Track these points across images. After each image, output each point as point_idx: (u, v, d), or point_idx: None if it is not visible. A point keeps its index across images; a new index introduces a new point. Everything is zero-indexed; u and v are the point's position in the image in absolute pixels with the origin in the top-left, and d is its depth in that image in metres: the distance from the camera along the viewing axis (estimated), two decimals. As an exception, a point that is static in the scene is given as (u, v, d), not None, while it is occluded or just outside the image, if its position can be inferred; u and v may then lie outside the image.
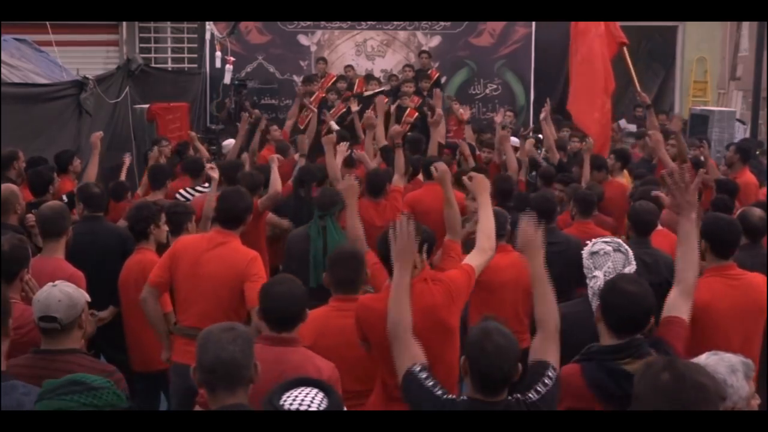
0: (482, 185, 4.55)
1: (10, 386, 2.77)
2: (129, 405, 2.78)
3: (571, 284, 4.68)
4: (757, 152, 9.49)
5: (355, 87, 12.89)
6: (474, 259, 4.26)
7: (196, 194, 6.94)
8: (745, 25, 13.52)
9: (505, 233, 5.15)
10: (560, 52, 12.99)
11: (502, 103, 13.84)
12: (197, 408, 3.07)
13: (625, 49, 9.48)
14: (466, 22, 13.79)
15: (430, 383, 3.09)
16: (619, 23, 9.83)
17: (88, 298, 3.56)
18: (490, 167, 8.17)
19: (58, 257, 4.66)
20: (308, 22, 13.88)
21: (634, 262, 4.07)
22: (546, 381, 3.07)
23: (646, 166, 8.44)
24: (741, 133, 11.70)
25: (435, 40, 14.18)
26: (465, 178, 4.85)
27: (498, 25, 13.94)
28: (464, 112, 11.28)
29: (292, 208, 6.75)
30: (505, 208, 5.73)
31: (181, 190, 7.14)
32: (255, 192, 6.49)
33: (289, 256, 5.98)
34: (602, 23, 9.95)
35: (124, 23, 14.12)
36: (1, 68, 9.40)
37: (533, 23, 13.73)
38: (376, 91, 12.37)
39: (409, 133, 10.87)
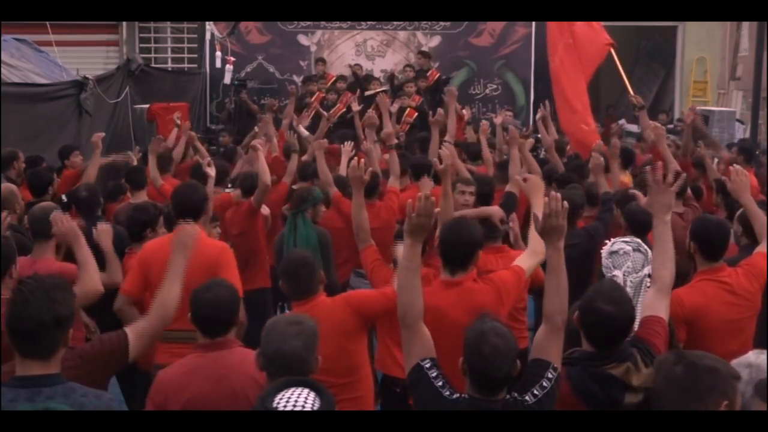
0: (536, 187, 4.41)
1: (69, 388, 2.76)
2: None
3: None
4: (756, 152, 9.49)
5: (326, 80, 12.91)
6: (525, 261, 4.21)
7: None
8: (745, 25, 13.52)
9: (498, 234, 5.12)
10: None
11: (502, 103, 13.85)
12: None
13: (612, 50, 9.45)
14: (466, 22, 13.80)
15: (440, 383, 3.04)
16: (601, 23, 9.78)
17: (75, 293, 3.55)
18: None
19: (48, 258, 4.64)
20: (308, 22, 13.88)
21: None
22: (545, 383, 3.03)
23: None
24: (741, 133, 11.70)
25: (435, 40, 14.18)
26: (519, 179, 4.74)
27: (498, 25, 13.95)
28: (465, 112, 11.26)
29: None
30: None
31: None
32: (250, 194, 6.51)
33: (277, 254, 6.03)
34: (570, 30, 9.83)
35: (124, 23, 14.12)
36: (1, 68, 9.41)
37: (533, 23, 13.73)
38: (377, 90, 12.38)
39: (408, 133, 10.89)
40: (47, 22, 10.38)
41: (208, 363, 3.42)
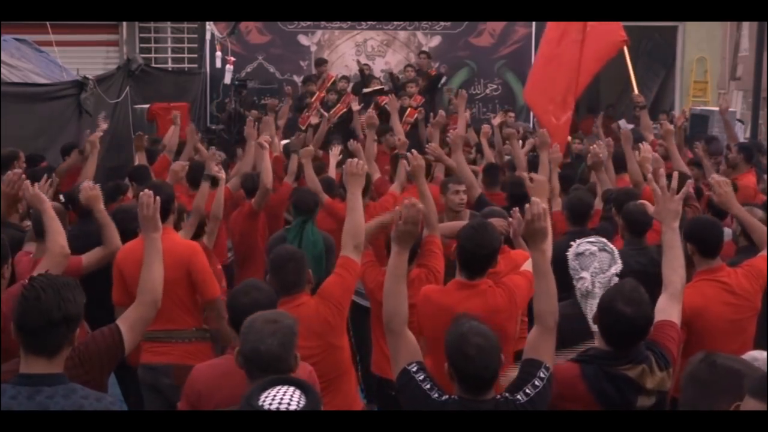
0: (541, 187, 4.39)
1: (70, 389, 2.76)
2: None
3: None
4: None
5: (325, 81, 12.86)
6: (530, 267, 4.22)
7: None
8: (745, 25, 13.51)
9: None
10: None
11: (502, 103, 13.86)
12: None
13: (625, 48, 9.41)
14: (466, 22, 13.80)
15: (427, 386, 3.05)
16: (621, 22, 9.76)
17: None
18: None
19: None
20: (308, 22, 13.88)
21: (620, 261, 4.08)
22: (536, 383, 3.04)
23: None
24: (741, 133, 11.69)
25: (435, 40, 14.18)
26: (526, 179, 4.69)
27: (498, 25, 13.95)
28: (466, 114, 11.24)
29: None
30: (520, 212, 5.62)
31: None
32: (253, 194, 6.50)
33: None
34: (584, 29, 9.81)
35: (124, 23, 14.11)
36: (1, 68, 9.40)
37: (533, 23, 13.73)
38: (376, 89, 12.38)
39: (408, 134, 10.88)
40: (47, 22, 10.36)
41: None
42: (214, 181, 6.18)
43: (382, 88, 12.50)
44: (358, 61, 13.57)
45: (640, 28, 14.05)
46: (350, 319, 4.81)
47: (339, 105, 12.22)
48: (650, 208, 4.82)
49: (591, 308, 4.01)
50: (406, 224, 3.40)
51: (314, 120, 11.77)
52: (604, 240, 4.18)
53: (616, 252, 4.08)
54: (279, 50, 14.15)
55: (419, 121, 11.90)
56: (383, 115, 10.51)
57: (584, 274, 4.03)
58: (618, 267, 4.02)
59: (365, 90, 12.50)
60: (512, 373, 3.36)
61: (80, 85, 9.93)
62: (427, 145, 6.82)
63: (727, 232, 5.46)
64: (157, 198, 3.74)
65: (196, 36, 14.46)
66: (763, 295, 4.39)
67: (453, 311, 3.79)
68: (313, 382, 3.42)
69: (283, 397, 2.39)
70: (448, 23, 13.91)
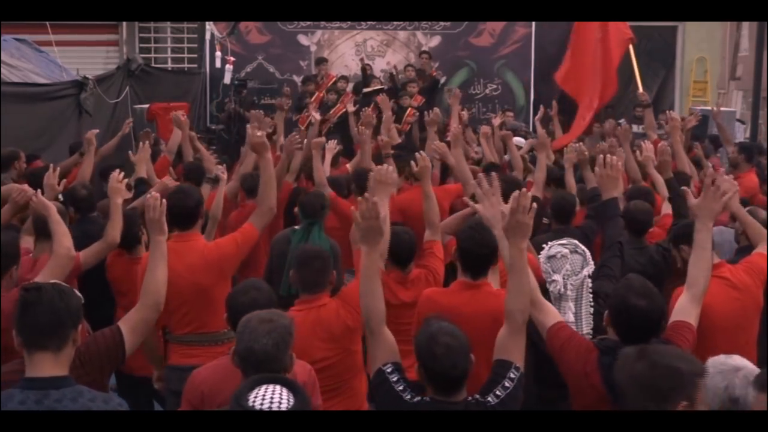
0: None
1: (77, 392, 2.76)
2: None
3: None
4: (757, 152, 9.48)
5: (326, 80, 12.84)
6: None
7: None
8: (745, 25, 13.51)
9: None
10: (560, 52, 12.95)
11: (502, 103, 13.85)
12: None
13: (631, 47, 9.42)
14: (466, 22, 13.79)
15: (400, 387, 3.04)
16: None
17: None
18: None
19: (46, 255, 4.65)
20: (308, 22, 13.88)
21: (591, 263, 4.07)
22: (506, 384, 3.02)
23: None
24: (741, 133, 11.69)
25: (435, 40, 14.18)
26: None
27: (498, 25, 13.95)
28: (464, 114, 11.24)
29: None
30: None
31: None
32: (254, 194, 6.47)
33: (271, 255, 5.90)
34: (605, 27, 9.87)
35: (124, 23, 14.11)
36: (1, 68, 9.40)
37: (533, 23, 13.73)
38: (375, 89, 12.38)
39: (408, 134, 10.88)
40: (47, 22, 10.37)
41: None
42: (216, 181, 6.18)
43: (383, 88, 12.50)
44: (362, 60, 13.58)
45: (640, 28, 14.02)
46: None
47: (338, 105, 12.22)
48: (692, 199, 4.70)
49: (564, 311, 4.02)
50: (364, 220, 3.35)
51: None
52: (576, 242, 4.18)
53: (588, 254, 4.08)
54: (279, 50, 14.15)
55: (413, 124, 11.89)
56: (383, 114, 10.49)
57: (556, 276, 4.04)
58: (590, 269, 4.03)
59: (366, 90, 12.50)
60: None
61: (80, 85, 9.94)
62: (433, 144, 6.77)
63: (728, 231, 5.46)
64: (164, 201, 3.74)
65: (196, 36, 14.46)
66: (764, 293, 4.39)
67: (459, 312, 3.80)
68: (312, 381, 3.42)
69: (273, 397, 2.39)
70: (448, 23, 13.90)
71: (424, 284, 4.56)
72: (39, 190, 4.50)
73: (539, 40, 13.94)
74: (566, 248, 4.05)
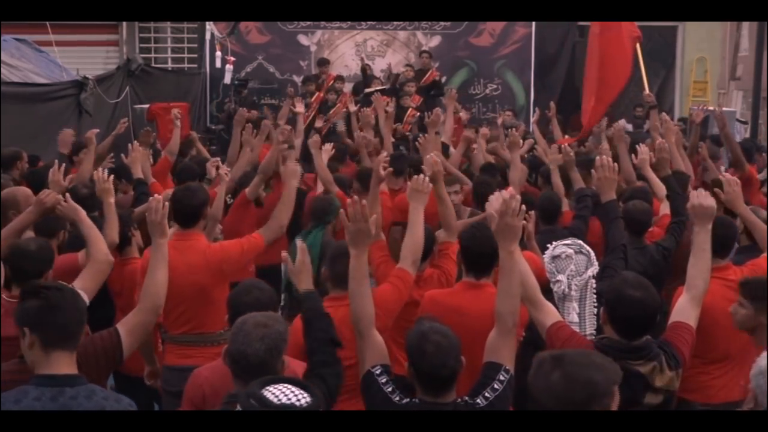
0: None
1: (90, 390, 2.76)
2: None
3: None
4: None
5: (326, 82, 12.84)
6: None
7: None
8: (745, 25, 13.51)
9: None
10: (560, 52, 12.98)
11: (502, 103, 13.86)
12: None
13: (638, 46, 9.41)
14: (466, 22, 13.80)
15: (389, 389, 3.05)
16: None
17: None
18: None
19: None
20: (308, 22, 13.88)
21: (596, 263, 4.06)
22: (496, 386, 3.02)
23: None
24: (741, 133, 11.70)
25: (435, 40, 14.18)
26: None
27: (498, 25, 13.95)
28: (464, 114, 11.25)
29: None
30: None
31: None
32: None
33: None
34: (618, 26, 9.84)
35: (124, 23, 14.11)
36: (1, 68, 9.41)
37: (533, 23, 13.74)
38: (376, 89, 12.38)
39: (408, 134, 10.88)
40: (47, 22, 10.38)
41: None
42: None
43: (384, 88, 12.50)
44: (362, 59, 13.57)
45: (640, 28, 14.03)
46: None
47: (338, 105, 12.22)
48: (721, 195, 4.61)
49: (568, 311, 4.01)
50: (353, 222, 3.35)
51: (318, 123, 11.80)
52: (580, 242, 4.17)
53: (592, 254, 4.07)
54: (279, 50, 14.15)
55: (413, 124, 11.89)
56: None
57: (560, 277, 4.03)
58: (594, 269, 4.02)
59: (366, 90, 12.50)
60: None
61: (80, 85, 9.95)
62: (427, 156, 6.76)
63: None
64: (166, 203, 3.73)
65: (196, 36, 14.46)
66: None
67: (463, 312, 3.80)
68: None
69: (292, 392, 2.38)
70: (448, 23, 13.91)
71: (436, 284, 4.54)
72: (68, 194, 4.46)
73: (539, 40, 13.96)
74: (571, 248, 4.05)
